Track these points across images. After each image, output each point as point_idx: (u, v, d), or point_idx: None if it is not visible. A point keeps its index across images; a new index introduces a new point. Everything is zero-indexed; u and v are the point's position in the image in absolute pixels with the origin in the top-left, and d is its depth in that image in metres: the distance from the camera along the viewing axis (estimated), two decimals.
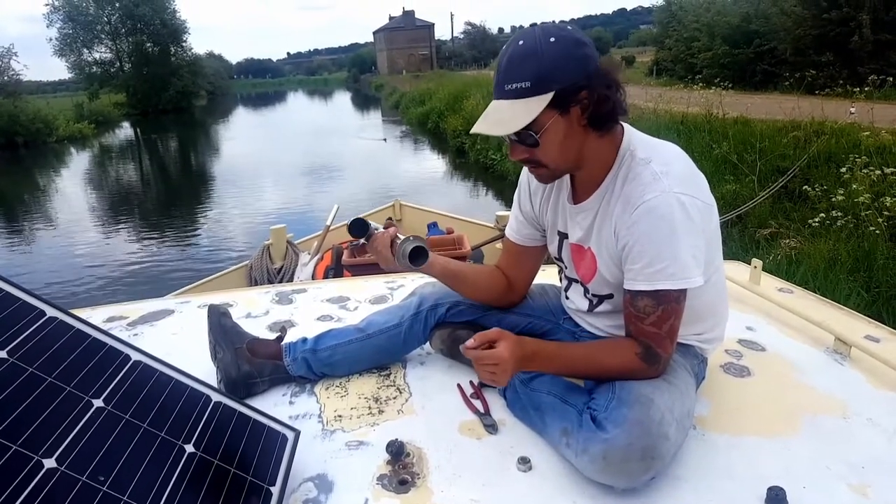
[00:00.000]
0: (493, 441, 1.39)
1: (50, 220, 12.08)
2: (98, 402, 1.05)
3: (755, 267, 2.23)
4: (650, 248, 1.22)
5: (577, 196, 1.42)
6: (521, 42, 1.21)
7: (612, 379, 1.29)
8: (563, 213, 1.47)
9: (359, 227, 1.61)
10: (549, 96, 1.19)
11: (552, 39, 1.19)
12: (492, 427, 1.42)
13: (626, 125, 1.36)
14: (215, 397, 1.25)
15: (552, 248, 1.56)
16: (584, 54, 1.21)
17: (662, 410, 1.19)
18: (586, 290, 1.49)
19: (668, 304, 1.24)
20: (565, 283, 1.59)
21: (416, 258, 1.49)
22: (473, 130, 1.26)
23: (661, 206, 1.21)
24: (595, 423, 1.21)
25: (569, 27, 1.25)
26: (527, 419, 1.43)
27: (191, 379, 1.25)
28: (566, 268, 1.55)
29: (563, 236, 1.49)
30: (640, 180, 1.25)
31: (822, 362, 1.74)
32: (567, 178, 1.44)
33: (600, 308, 1.48)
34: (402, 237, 1.53)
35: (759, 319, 2.03)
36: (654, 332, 1.26)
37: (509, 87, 1.21)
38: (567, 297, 1.60)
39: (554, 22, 1.24)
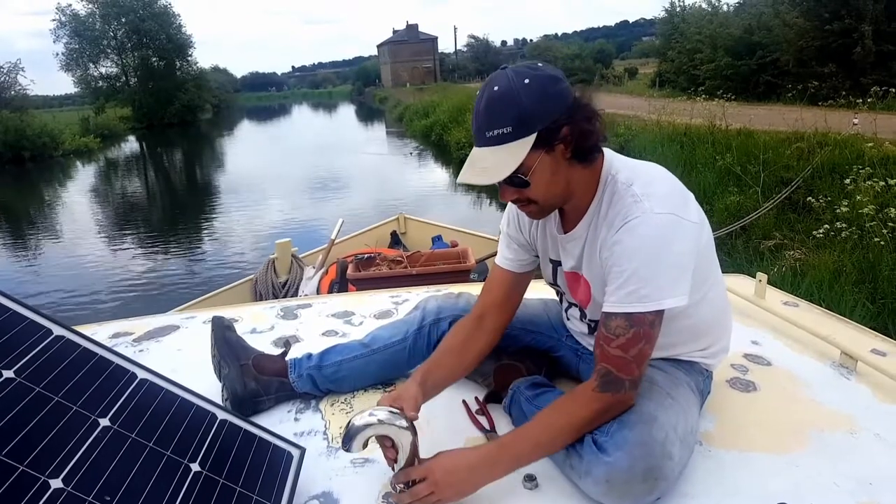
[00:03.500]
0: None
1: (56, 235, 12.13)
2: (104, 422, 1.05)
3: (760, 280, 2.23)
4: (627, 269, 1.20)
5: (566, 225, 1.41)
6: (495, 87, 1.19)
7: (588, 429, 1.23)
8: (553, 242, 1.46)
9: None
10: (531, 138, 1.18)
11: (526, 81, 1.17)
12: None
13: (605, 150, 1.35)
14: (220, 415, 1.25)
15: (546, 275, 1.55)
16: (559, 90, 1.20)
17: (666, 429, 1.19)
18: (583, 315, 1.50)
19: (641, 327, 1.19)
20: (565, 304, 1.59)
21: None
22: (461, 180, 1.24)
23: (640, 226, 1.19)
24: (597, 445, 1.20)
25: (539, 64, 1.24)
26: None
27: (196, 396, 1.25)
28: (565, 293, 1.55)
29: (557, 264, 1.48)
30: (623, 203, 1.24)
31: (829, 377, 1.73)
32: None
33: None
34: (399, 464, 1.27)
35: (765, 333, 2.02)
36: (618, 356, 1.21)
37: (491, 133, 1.19)
38: (568, 319, 1.61)
39: (536, 63, 1.17)
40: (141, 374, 1.21)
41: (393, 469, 1.25)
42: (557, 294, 1.60)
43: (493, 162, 1.20)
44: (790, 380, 1.72)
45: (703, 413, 1.46)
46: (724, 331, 1.51)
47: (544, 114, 1.18)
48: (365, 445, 1.21)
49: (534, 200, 1.28)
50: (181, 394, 1.24)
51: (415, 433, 1.24)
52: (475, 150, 1.24)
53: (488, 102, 1.20)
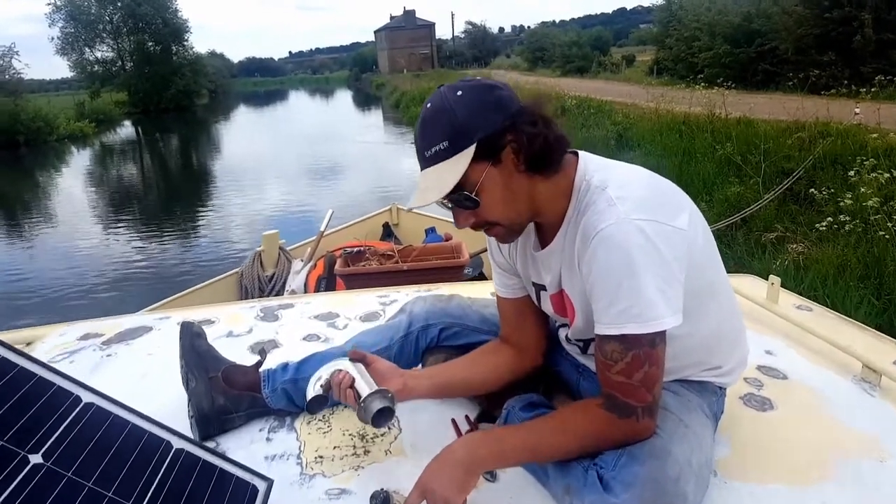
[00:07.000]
0: (492, 489, 1.25)
1: (46, 221, 12.03)
2: (35, 459, 0.91)
3: (772, 283, 2.07)
4: (609, 284, 1.06)
5: (543, 241, 1.28)
6: (428, 105, 1.15)
7: (588, 448, 1.13)
8: (532, 263, 1.33)
9: (319, 403, 1.35)
10: (471, 150, 1.10)
11: (459, 93, 1.13)
12: (490, 474, 1.29)
13: (580, 152, 1.22)
14: (176, 444, 1.11)
15: (534, 300, 1.42)
16: (497, 97, 1.13)
17: (681, 463, 1.05)
18: (568, 337, 1.38)
19: (640, 348, 1.06)
20: (555, 325, 1.47)
21: (381, 417, 1.24)
22: (410, 205, 1.18)
23: (616, 235, 1.05)
24: (602, 483, 1.06)
25: (477, 77, 1.20)
26: (528, 467, 1.28)
27: (149, 422, 1.11)
28: (554, 322, 1.45)
29: (540, 288, 1.35)
30: (595, 208, 1.11)
31: (851, 392, 1.59)
32: (531, 225, 1.29)
33: (591, 350, 1.34)
34: (362, 389, 1.26)
35: (779, 343, 1.88)
36: (622, 382, 1.09)
37: (429, 152, 1.13)
38: (560, 338, 1.47)
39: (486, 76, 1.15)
40: (86, 398, 1.07)
41: (358, 406, 1.24)
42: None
43: (433, 181, 1.11)
44: (809, 396, 1.58)
45: (716, 436, 1.32)
46: (735, 346, 1.36)
47: (482, 122, 1.11)
48: (325, 390, 1.32)
49: (493, 222, 1.18)
50: (132, 419, 1.09)
51: (367, 364, 1.33)
52: (420, 174, 1.17)
53: (422, 121, 1.15)
